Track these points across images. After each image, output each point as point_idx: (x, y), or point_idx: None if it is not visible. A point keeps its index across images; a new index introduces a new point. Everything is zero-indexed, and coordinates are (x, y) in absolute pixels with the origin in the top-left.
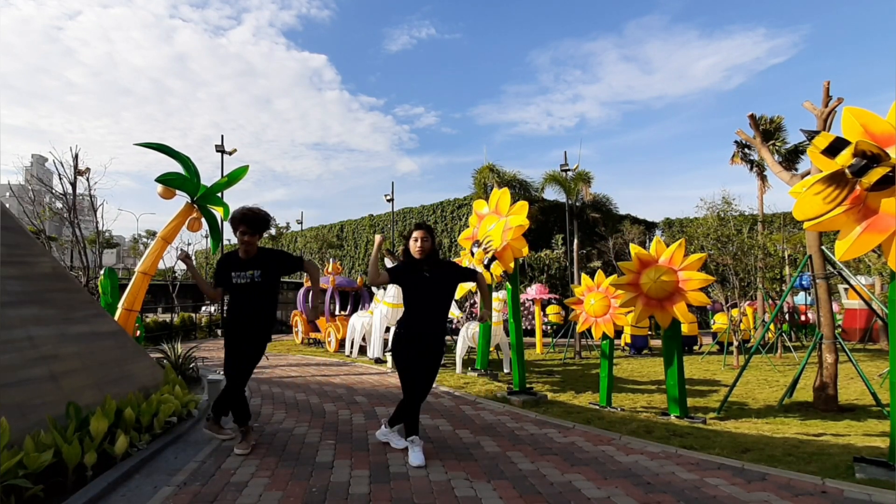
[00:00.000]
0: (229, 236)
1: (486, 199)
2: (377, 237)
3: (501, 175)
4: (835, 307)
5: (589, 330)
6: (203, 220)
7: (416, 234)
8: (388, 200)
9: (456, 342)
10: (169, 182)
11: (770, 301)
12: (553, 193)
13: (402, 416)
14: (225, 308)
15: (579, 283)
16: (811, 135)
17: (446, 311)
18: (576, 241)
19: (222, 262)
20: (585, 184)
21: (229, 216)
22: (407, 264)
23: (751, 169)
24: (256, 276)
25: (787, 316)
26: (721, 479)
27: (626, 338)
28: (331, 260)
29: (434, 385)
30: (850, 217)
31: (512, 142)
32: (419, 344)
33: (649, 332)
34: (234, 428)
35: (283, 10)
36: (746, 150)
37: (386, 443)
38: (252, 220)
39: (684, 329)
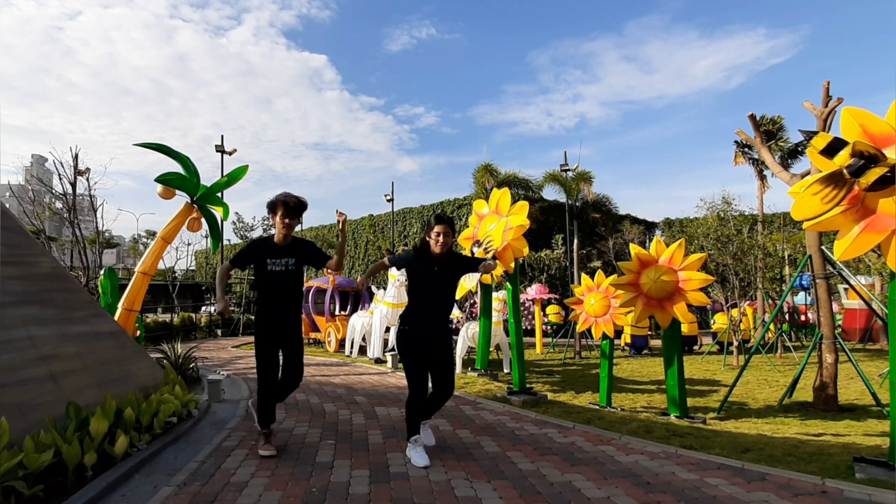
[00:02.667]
0: (229, 236)
1: (486, 199)
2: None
3: (496, 175)
4: (835, 307)
5: (589, 330)
6: (203, 220)
7: (437, 228)
8: (388, 200)
9: (456, 342)
10: (168, 182)
11: (770, 301)
12: (553, 193)
13: (413, 417)
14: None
15: (579, 283)
16: (810, 135)
17: (451, 305)
18: (576, 241)
19: (256, 246)
20: (587, 183)
21: (268, 202)
22: (419, 254)
23: (756, 167)
24: (290, 263)
25: (787, 316)
26: (721, 479)
27: (626, 338)
28: None
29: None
30: (848, 217)
31: (512, 142)
32: (425, 339)
33: (649, 332)
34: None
35: (283, 10)
36: (747, 150)
37: (385, 442)
38: (290, 205)
39: (684, 329)
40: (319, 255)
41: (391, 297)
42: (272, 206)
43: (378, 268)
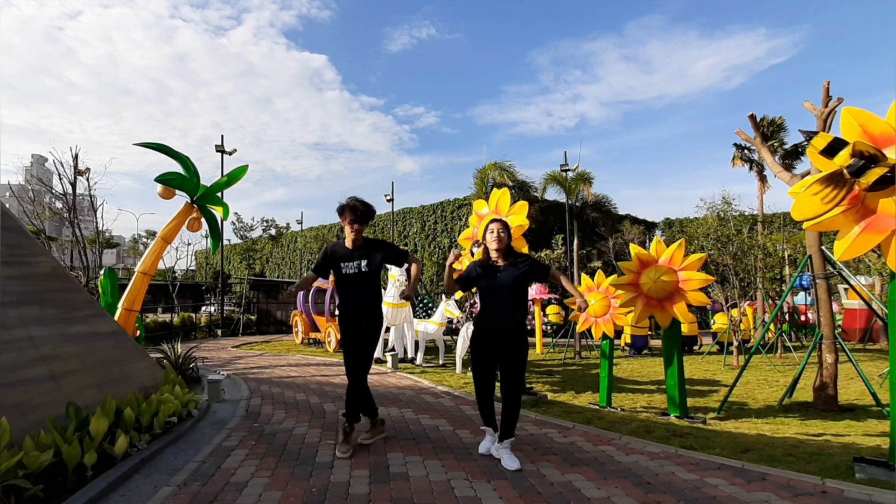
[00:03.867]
0: (229, 236)
1: (487, 199)
2: (453, 252)
3: (512, 174)
4: (835, 307)
5: (589, 330)
6: (203, 219)
7: (491, 226)
8: (388, 200)
9: (456, 342)
10: (168, 182)
11: (770, 301)
12: (553, 193)
13: (482, 410)
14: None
15: (579, 284)
16: (810, 135)
17: (523, 307)
18: (576, 241)
19: (329, 251)
20: (586, 184)
21: (338, 206)
22: (483, 260)
23: (750, 168)
24: (363, 265)
25: (786, 316)
26: (721, 479)
27: (626, 338)
28: None
29: (434, 385)
30: (848, 217)
31: (512, 142)
32: (494, 340)
33: (649, 332)
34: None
35: (283, 10)
36: (747, 151)
37: (385, 442)
38: (357, 210)
39: (684, 329)
40: (396, 255)
41: (391, 297)
42: (341, 211)
43: (452, 284)
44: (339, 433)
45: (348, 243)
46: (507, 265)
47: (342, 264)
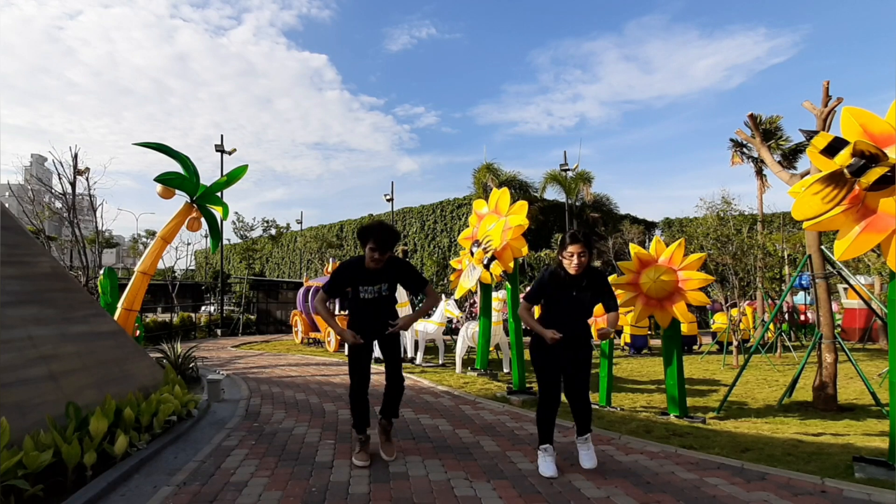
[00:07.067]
0: (229, 236)
1: (486, 198)
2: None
3: (499, 175)
4: (834, 307)
5: None
6: (202, 219)
7: (571, 248)
8: (388, 200)
9: (456, 342)
10: (168, 182)
11: (770, 301)
12: (553, 193)
13: (542, 426)
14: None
15: None
16: (810, 135)
17: (587, 319)
18: None
19: (348, 270)
20: (586, 183)
21: (358, 229)
22: (556, 280)
23: (756, 165)
24: (384, 289)
25: (786, 316)
26: (721, 479)
27: (626, 337)
28: (331, 260)
29: (433, 385)
30: (848, 217)
31: (512, 141)
32: (559, 349)
33: (649, 332)
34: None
35: (283, 9)
36: (746, 149)
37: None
38: (380, 238)
39: (684, 329)
40: (415, 281)
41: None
42: (363, 235)
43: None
44: (356, 444)
45: (369, 263)
46: (584, 286)
47: (361, 288)
